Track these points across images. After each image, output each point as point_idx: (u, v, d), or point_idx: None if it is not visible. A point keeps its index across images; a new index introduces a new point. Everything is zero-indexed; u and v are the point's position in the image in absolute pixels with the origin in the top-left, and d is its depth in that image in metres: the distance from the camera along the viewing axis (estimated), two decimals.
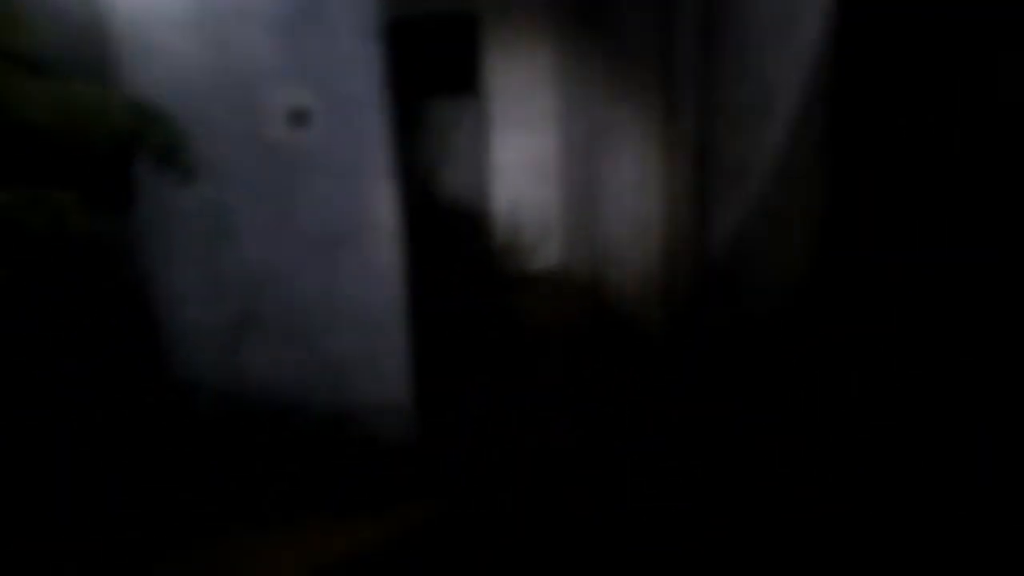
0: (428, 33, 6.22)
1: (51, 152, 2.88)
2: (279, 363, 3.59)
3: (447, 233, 6.25)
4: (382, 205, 3.38)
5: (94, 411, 3.36)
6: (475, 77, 6.59)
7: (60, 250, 3.22)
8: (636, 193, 5.20)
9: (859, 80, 2.90)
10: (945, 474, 2.45)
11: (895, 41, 2.69)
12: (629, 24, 5.19)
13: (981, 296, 2.30)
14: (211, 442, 3.63)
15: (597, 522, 3.06)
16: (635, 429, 3.66)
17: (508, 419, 3.89)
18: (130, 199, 3.46)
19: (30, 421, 3.24)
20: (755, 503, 3.05)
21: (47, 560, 2.99)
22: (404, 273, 3.50)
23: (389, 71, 3.27)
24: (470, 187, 6.76)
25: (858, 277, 2.87)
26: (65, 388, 3.36)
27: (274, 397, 3.60)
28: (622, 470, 3.41)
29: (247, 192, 3.41)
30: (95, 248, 3.65)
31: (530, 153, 6.93)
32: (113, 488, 3.39)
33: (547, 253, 6.98)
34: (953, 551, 2.38)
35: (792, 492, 3.04)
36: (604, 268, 5.87)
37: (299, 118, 3.30)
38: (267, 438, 3.63)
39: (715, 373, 4.03)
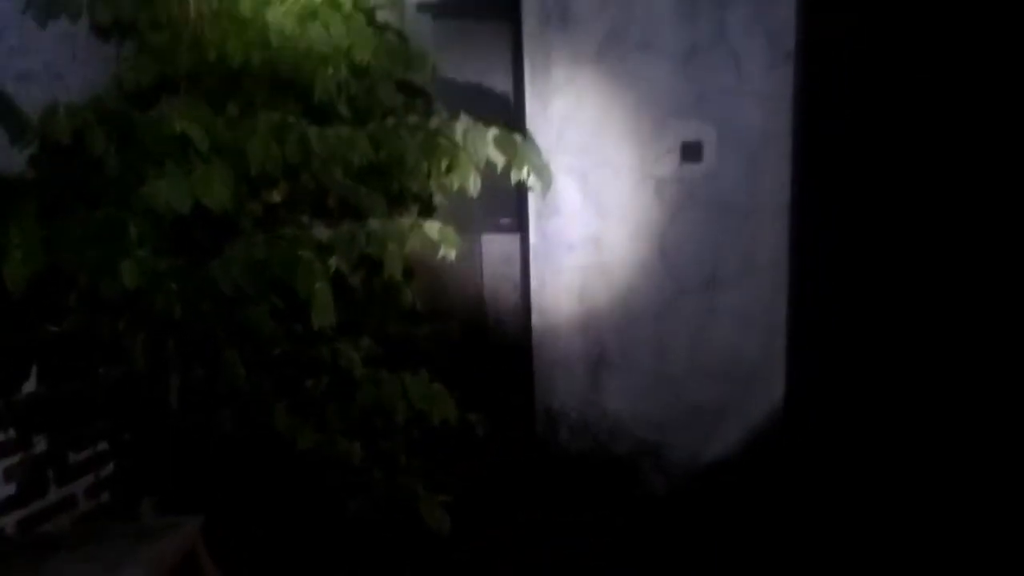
0: None
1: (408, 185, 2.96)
2: (640, 403, 3.45)
3: None
4: (771, 248, 3.10)
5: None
6: None
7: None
8: None
9: None
10: None
11: None
12: None
13: None
14: (562, 473, 3.58)
15: None
16: None
17: None
18: (520, 227, 3.52)
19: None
20: None
21: None
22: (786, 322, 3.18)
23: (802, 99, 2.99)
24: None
25: None
26: None
27: (634, 436, 3.46)
28: None
29: (625, 226, 3.31)
30: (472, 271, 3.78)
31: None
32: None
33: None
34: None
35: None
36: None
37: (690, 152, 3.14)
38: (621, 477, 3.50)
39: None
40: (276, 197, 2.76)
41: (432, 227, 2.72)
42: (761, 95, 2.98)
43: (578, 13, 3.15)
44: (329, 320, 2.37)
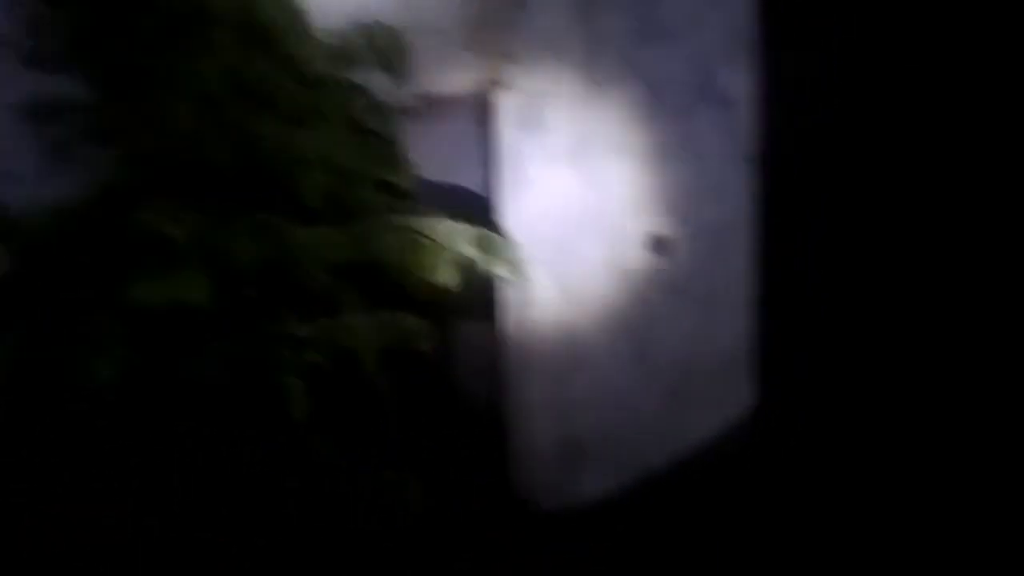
0: None
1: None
2: (616, 489, 3.46)
3: None
4: (741, 337, 3.19)
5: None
6: None
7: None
8: None
9: None
10: None
11: None
12: None
13: None
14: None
15: None
16: None
17: None
18: (490, 316, 3.59)
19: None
20: None
21: None
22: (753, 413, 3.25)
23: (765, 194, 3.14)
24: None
25: None
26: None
27: (611, 527, 3.46)
28: None
29: (597, 316, 3.40)
30: (449, 361, 3.81)
31: None
32: None
33: None
34: None
35: None
36: None
37: (658, 246, 3.25)
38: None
39: None
40: (254, 292, 2.80)
41: (407, 320, 2.78)
42: (724, 192, 3.12)
43: (550, 120, 3.30)
44: (304, 412, 2.40)
